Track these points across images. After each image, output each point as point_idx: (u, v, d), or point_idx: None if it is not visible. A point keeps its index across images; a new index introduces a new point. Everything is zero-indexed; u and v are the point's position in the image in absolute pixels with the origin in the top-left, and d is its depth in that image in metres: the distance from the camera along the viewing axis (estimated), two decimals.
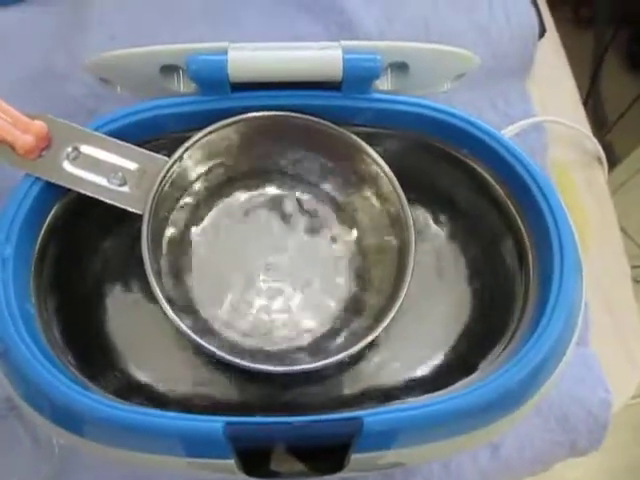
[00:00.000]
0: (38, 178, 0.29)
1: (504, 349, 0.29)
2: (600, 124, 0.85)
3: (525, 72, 0.46)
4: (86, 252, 0.32)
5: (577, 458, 0.39)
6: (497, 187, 0.31)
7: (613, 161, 0.77)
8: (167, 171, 0.30)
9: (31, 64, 0.44)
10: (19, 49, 0.45)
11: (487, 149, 0.31)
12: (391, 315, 0.29)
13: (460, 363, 0.31)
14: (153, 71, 0.31)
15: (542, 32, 0.47)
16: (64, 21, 0.46)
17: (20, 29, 0.46)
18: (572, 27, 0.91)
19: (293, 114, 0.31)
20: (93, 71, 0.33)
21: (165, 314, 0.28)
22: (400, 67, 0.32)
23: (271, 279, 0.32)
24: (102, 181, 0.30)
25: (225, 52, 0.30)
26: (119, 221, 0.32)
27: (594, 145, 0.45)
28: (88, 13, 0.45)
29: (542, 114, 0.45)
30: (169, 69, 0.32)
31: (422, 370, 0.31)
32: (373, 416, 0.25)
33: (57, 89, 0.43)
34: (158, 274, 0.30)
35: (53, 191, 0.30)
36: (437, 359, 0.31)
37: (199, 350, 0.30)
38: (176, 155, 0.30)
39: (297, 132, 0.31)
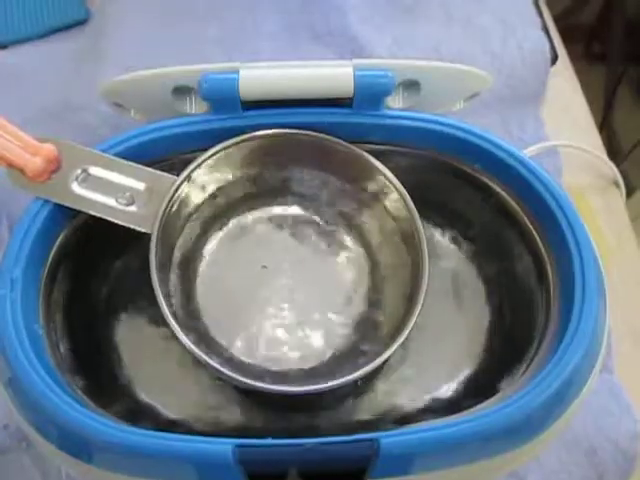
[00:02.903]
0: (47, 200, 0.29)
1: (526, 370, 0.28)
2: (613, 159, 0.84)
3: (538, 98, 0.46)
4: (96, 274, 0.32)
5: None
6: (513, 204, 0.31)
7: (627, 192, 0.77)
8: (176, 190, 0.30)
9: (48, 97, 0.45)
10: (37, 83, 0.46)
11: (503, 165, 0.30)
12: (404, 335, 0.28)
13: (480, 385, 0.30)
14: (166, 93, 0.31)
15: (554, 58, 0.47)
16: (81, 55, 0.47)
17: (38, 64, 0.47)
18: (584, 63, 0.92)
19: (303, 131, 0.30)
20: (107, 96, 0.33)
21: (174, 336, 0.27)
22: (412, 85, 0.32)
23: (283, 300, 0.32)
24: (110, 201, 0.29)
25: (237, 72, 0.30)
26: (129, 243, 0.31)
27: (610, 170, 0.45)
28: (104, 47, 0.46)
29: (556, 140, 0.44)
30: (182, 91, 0.32)
31: (441, 393, 0.30)
32: (390, 437, 0.23)
33: (74, 120, 0.44)
34: (167, 295, 0.29)
35: (62, 213, 0.29)
36: (456, 381, 0.30)
37: (208, 373, 0.30)
38: (185, 174, 0.30)
39: (308, 149, 0.31)
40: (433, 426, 0.24)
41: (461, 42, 0.46)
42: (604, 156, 0.45)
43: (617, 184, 0.45)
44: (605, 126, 0.89)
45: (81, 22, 0.49)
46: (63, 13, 0.49)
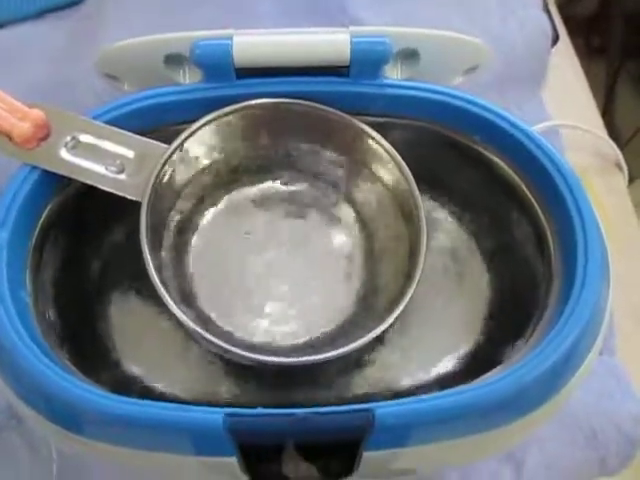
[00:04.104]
0: (35, 167, 0.28)
1: (525, 345, 0.27)
2: None
3: (539, 79, 0.46)
4: (86, 246, 0.31)
5: (607, 477, 0.37)
6: (514, 176, 0.30)
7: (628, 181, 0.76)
8: (167, 158, 0.29)
9: (43, 76, 0.45)
10: (32, 62, 0.46)
11: (505, 136, 0.29)
12: (400, 308, 0.27)
13: (479, 360, 0.29)
14: (157, 61, 0.31)
15: (555, 39, 0.46)
16: (74, 35, 0.47)
17: (33, 43, 0.47)
18: (583, 56, 0.92)
19: (298, 101, 0.30)
20: (99, 67, 0.33)
21: (165, 308, 0.27)
22: (410, 56, 0.31)
23: (278, 274, 0.31)
24: (100, 169, 0.29)
25: (230, 38, 0.29)
26: (120, 216, 0.31)
27: (612, 150, 0.44)
28: (100, 27, 0.46)
29: (558, 120, 0.44)
30: (174, 60, 0.31)
31: (439, 368, 0.29)
32: (385, 408, 0.23)
33: (67, 99, 0.43)
34: (159, 268, 0.29)
35: (50, 180, 0.28)
36: (455, 356, 0.30)
37: (201, 346, 0.29)
38: (176, 142, 0.29)
39: (303, 120, 0.30)
40: (428, 397, 0.24)
41: (460, 22, 0.46)
42: (606, 137, 0.44)
43: (619, 166, 0.44)
44: (605, 118, 0.88)
45: (77, 2, 0.48)
46: None
